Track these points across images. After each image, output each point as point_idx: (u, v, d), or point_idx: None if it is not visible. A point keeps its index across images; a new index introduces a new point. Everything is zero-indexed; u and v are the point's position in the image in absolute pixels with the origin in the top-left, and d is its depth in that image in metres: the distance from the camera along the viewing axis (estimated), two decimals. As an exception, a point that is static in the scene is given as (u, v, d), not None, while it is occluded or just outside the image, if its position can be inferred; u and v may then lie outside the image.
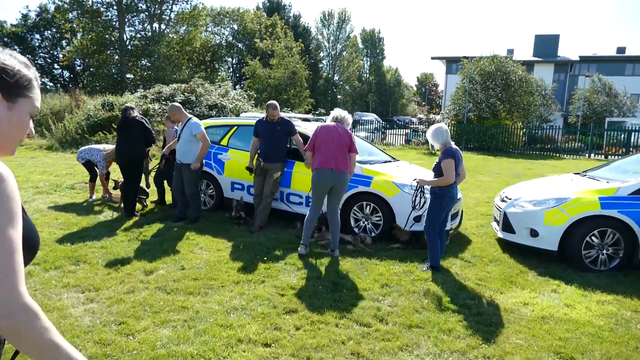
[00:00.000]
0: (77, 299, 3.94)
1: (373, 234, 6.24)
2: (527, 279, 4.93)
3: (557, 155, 24.24)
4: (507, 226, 5.88)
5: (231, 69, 56.56)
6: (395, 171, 6.55)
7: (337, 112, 5.65)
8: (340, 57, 67.81)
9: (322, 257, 5.37)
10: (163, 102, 18.80)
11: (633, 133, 24.52)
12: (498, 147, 24.83)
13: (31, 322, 0.97)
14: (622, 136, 24.80)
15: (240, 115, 8.92)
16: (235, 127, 7.59)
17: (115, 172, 8.06)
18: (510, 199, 6.05)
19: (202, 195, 7.70)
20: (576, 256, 5.25)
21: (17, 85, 1.13)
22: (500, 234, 6.02)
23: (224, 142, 7.56)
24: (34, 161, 13.11)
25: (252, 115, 8.09)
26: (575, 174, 6.73)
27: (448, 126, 26.88)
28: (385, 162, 7.18)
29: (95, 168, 8.08)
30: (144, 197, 7.51)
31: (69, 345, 1.02)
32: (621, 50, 50.02)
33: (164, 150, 7.40)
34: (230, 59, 56.09)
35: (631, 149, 23.80)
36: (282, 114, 6.76)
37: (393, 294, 4.31)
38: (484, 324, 3.76)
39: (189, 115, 6.80)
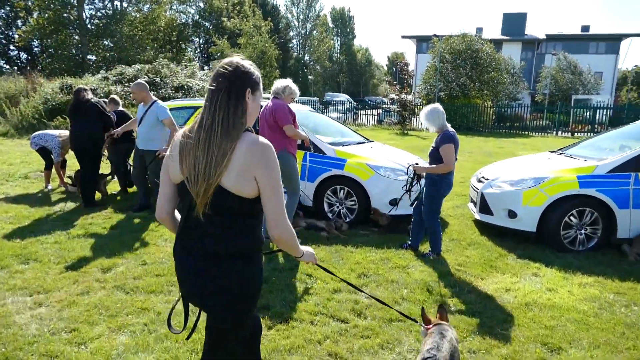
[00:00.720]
0: (24, 303, 3.55)
1: (347, 219, 5.99)
2: (507, 262, 4.78)
3: (526, 133, 24.53)
4: (484, 207, 5.72)
5: (198, 49, 54.95)
6: (370, 152, 6.29)
7: (274, 86, 5.06)
8: (310, 36, 66.71)
9: (295, 245, 5.08)
10: (126, 84, 17.96)
11: (598, 110, 25.03)
12: (469, 127, 24.92)
13: None
14: (588, 114, 25.28)
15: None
16: (201, 109, 7.14)
17: (73, 160, 7.50)
18: (487, 179, 5.88)
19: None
20: (555, 237, 5.14)
21: (256, 82, 1.81)
22: (477, 216, 5.86)
23: (189, 124, 7.10)
24: (-14, 149, 12.29)
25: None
26: (551, 152, 6.62)
27: (419, 106, 27.05)
28: (359, 143, 6.91)
29: (51, 155, 7.53)
30: (103, 181, 7.04)
31: None
32: (585, 28, 50.86)
33: (116, 130, 6.62)
34: (197, 39, 54.45)
35: (596, 126, 24.31)
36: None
37: (371, 285, 4.07)
38: (467, 313, 3.57)
39: (154, 98, 6.26)
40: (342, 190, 6.01)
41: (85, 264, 4.38)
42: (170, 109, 7.35)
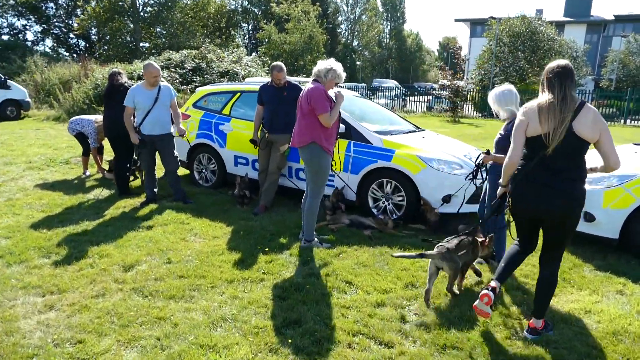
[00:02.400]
0: (34, 305, 3.24)
1: (394, 216, 5.39)
2: (584, 275, 4.05)
3: (590, 121, 22.69)
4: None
5: (247, 36, 55.08)
6: (421, 143, 5.64)
7: (316, 67, 4.43)
8: (359, 21, 65.42)
9: (334, 245, 4.57)
10: (172, 70, 17.96)
11: (675, 97, 22.77)
12: (527, 114, 23.31)
13: None
14: (663, 101, 23.05)
15: (245, 80, 8.01)
16: (239, 94, 6.72)
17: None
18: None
19: (204, 170, 6.94)
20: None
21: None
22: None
23: (226, 111, 6.71)
24: (37, 133, 12.52)
25: (258, 81, 7.20)
26: (636, 144, 5.70)
27: (473, 92, 25.66)
28: (409, 132, 6.25)
29: (88, 141, 7.36)
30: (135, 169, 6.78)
31: None
32: (660, 7, 46.71)
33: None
34: (246, 25, 54.54)
35: (673, 114, 22.14)
36: (292, 78, 5.87)
37: (420, 298, 3.49)
38: (540, 343, 2.93)
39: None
40: (389, 184, 5.41)
41: (107, 260, 4.05)
42: (206, 94, 7.04)
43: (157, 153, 5.95)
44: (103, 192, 6.36)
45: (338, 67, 4.43)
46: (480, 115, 25.26)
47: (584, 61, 35.26)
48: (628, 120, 22.67)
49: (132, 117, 5.73)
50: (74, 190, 6.48)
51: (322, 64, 4.43)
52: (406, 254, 3.93)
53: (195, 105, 7.10)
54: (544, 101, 2.77)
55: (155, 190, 6.01)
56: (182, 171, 7.07)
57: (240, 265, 4.02)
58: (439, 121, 21.16)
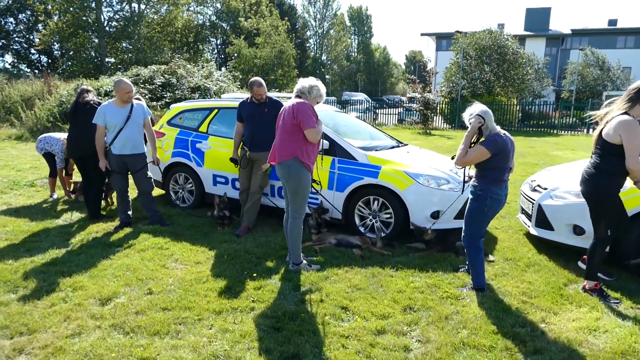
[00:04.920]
0: (1, 349, 2.91)
1: (382, 234, 5.25)
2: (579, 291, 3.99)
3: (554, 131, 23.43)
4: (542, 221, 4.92)
5: (216, 50, 54.64)
6: (407, 158, 5.54)
7: (298, 84, 4.30)
8: (327, 35, 66.00)
9: (324, 267, 4.38)
10: (141, 85, 17.51)
11: (634, 107, 23.68)
12: (495, 125, 23.83)
13: None
14: (623, 110, 23.95)
15: (222, 96, 7.78)
16: (216, 111, 6.49)
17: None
18: (543, 188, 5.09)
19: (181, 190, 6.65)
20: (636, 259, 4.32)
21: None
22: (532, 230, 5.07)
23: (203, 128, 6.46)
24: (-3, 153, 11.88)
25: (235, 97, 6.99)
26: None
27: (442, 104, 26.08)
28: (392, 147, 6.15)
29: (56, 160, 6.96)
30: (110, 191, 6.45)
31: None
32: (613, 22, 49.09)
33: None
34: (214, 40, 54.13)
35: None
36: (271, 94, 5.70)
37: (421, 323, 3.34)
38: (551, 367, 2.81)
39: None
40: (375, 202, 5.28)
41: (80, 293, 3.73)
42: (182, 111, 6.78)
43: (129, 174, 5.65)
44: (73, 216, 5.99)
45: (320, 85, 4.30)
46: (450, 127, 25.69)
47: (545, 73, 36.50)
48: (591, 130, 23.45)
49: (104, 138, 5.43)
50: (41, 214, 6.08)
51: (306, 81, 4.28)
52: None
53: (170, 122, 6.83)
54: None
55: (130, 213, 5.70)
56: (157, 191, 6.78)
57: (228, 293, 3.77)
58: (411, 133, 21.35)
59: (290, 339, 3.06)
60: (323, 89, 4.30)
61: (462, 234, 3.99)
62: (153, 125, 6.95)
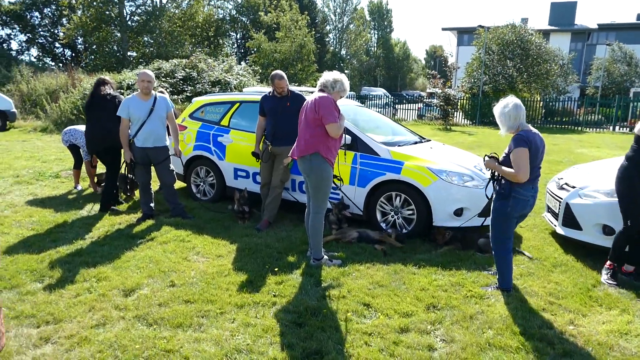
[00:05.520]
0: (28, 338, 2.95)
1: (404, 231, 5.19)
2: (609, 292, 3.88)
3: (578, 128, 22.88)
4: (569, 220, 4.80)
5: (235, 45, 54.86)
6: (430, 154, 5.46)
7: (322, 78, 4.24)
8: (347, 30, 65.64)
9: (345, 263, 4.34)
10: (162, 79, 17.66)
11: (663, 104, 23.03)
12: (517, 122, 23.39)
13: None
14: (651, 108, 23.29)
15: (244, 90, 7.78)
16: (238, 104, 6.49)
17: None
18: (572, 186, 4.96)
19: (202, 184, 6.68)
20: None
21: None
22: (559, 230, 4.95)
23: (225, 121, 6.47)
24: (23, 145, 12.13)
25: (257, 90, 6.98)
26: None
27: (463, 100, 25.72)
28: (415, 143, 6.07)
29: (81, 153, 7.06)
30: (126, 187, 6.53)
31: None
32: (642, 16, 47.68)
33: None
34: (234, 34, 54.34)
35: (660, 121, 22.36)
36: (293, 88, 5.66)
37: (445, 322, 3.28)
38: (581, 371, 2.73)
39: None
40: (398, 198, 5.22)
41: (105, 283, 3.78)
42: (204, 105, 6.80)
43: (152, 166, 5.69)
44: (96, 208, 6.06)
45: (344, 79, 4.25)
46: (471, 123, 25.33)
47: (570, 69, 35.68)
48: (617, 127, 22.87)
49: (128, 131, 5.48)
50: (66, 205, 6.17)
51: (329, 75, 4.24)
52: None
53: (191, 116, 6.85)
54: None
55: (152, 205, 5.75)
56: (178, 184, 6.83)
57: (249, 287, 3.77)
58: (431, 129, 21.11)
59: (313, 335, 3.04)
60: (347, 83, 4.25)
61: (490, 236, 3.90)
62: (176, 118, 7.02)
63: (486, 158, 3.83)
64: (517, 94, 26.06)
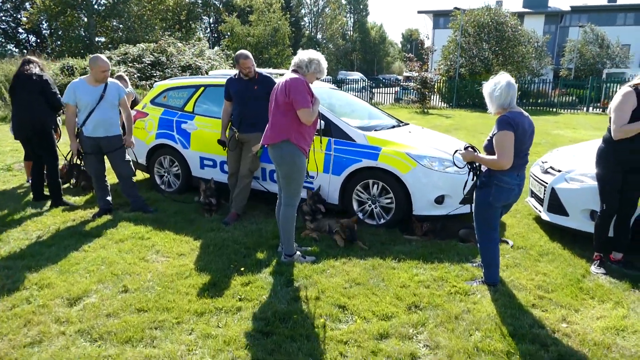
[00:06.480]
0: (-54, 362, 2.53)
1: (383, 221, 4.87)
2: (600, 282, 3.63)
3: (553, 110, 22.98)
4: (555, 206, 4.55)
5: (209, 29, 53.49)
6: (408, 139, 5.12)
7: (296, 57, 3.86)
8: (322, 14, 64.75)
9: (319, 259, 4.00)
10: (129, 64, 16.90)
11: (635, 85, 23.21)
12: (493, 104, 23.36)
13: None
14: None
15: (209, 73, 7.29)
16: (202, 88, 6.02)
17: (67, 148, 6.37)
18: (557, 170, 4.70)
19: (166, 174, 6.23)
20: None
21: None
22: (544, 215, 4.70)
23: (189, 107, 6.00)
24: (-22, 136, 11.36)
25: (223, 73, 6.52)
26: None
27: (439, 83, 25.53)
28: (393, 127, 5.72)
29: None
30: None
31: None
32: (612, -1, 48.24)
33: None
34: (207, 18, 52.94)
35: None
36: (261, 70, 5.23)
37: (429, 324, 2.96)
38: (579, 378, 2.46)
39: None
40: (375, 186, 4.88)
41: (47, 292, 3.34)
42: (166, 89, 6.32)
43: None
44: (48, 203, 5.56)
45: (321, 59, 3.83)
46: (448, 105, 25.20)
47: (544, 51, 35.82)
48: (590, 108, 23.06)
49: (74, 118, 4.97)
50: (14, 201, 5.65)
51: (304, 54, 3.82)
52: None
53: (153, 101, 6.35)
54: None
55: (109, 199, 5.28)
56: (142, 175, 6.38)
57: (212, 290, 3.39)
58: (408, 112, 20.87)
59: (281, 346, 2.68)
60: (324, 64, 3.84)
61: (475, 227, 3.60)
62: (137, 105, 6.51)
63: (461, 151, 3.51)
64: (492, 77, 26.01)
